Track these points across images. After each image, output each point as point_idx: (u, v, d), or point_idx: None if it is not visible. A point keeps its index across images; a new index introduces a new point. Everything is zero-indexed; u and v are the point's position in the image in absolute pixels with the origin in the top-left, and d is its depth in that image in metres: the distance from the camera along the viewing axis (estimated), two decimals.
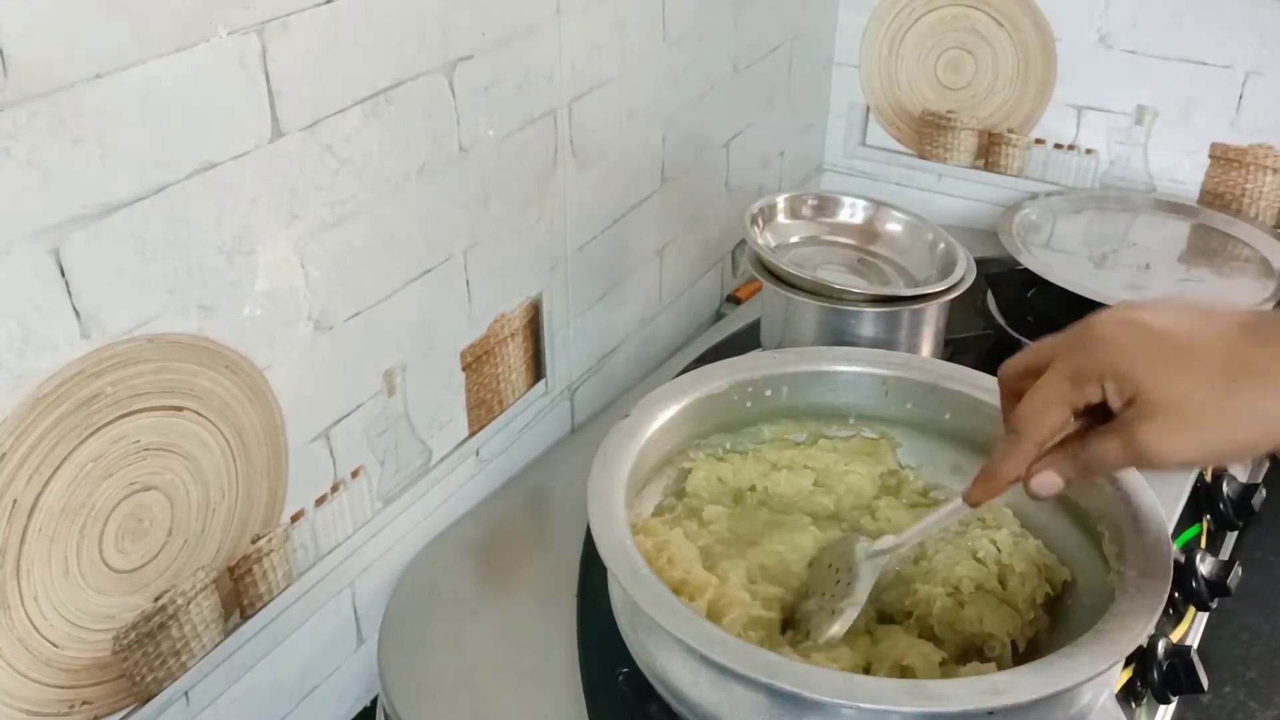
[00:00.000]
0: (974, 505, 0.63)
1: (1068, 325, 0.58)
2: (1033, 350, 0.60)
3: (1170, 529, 0.69)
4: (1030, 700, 0.55)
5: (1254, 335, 0.53)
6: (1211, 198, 1.23)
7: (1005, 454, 0.59)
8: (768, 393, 0.81)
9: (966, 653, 0.69)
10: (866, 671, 0.67)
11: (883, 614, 0.73)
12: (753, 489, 0.81)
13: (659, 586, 0.61)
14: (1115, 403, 0.55)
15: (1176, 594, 0.79)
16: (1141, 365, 0.54)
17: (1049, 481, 0.58)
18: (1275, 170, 1.18)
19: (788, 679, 0.56)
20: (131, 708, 0.66)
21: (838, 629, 0.67)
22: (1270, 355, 0.52)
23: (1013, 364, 0.61)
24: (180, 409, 0.63)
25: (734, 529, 0.77)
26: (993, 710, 0.55)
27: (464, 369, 0.85)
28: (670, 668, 0.63)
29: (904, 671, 0.66)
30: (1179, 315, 0.55)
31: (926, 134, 1.35)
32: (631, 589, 0.61)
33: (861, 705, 0.55)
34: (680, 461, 0.80)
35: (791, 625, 0.71)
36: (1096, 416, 0.57)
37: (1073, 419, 0.58)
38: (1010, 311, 1.10)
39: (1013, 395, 0.60)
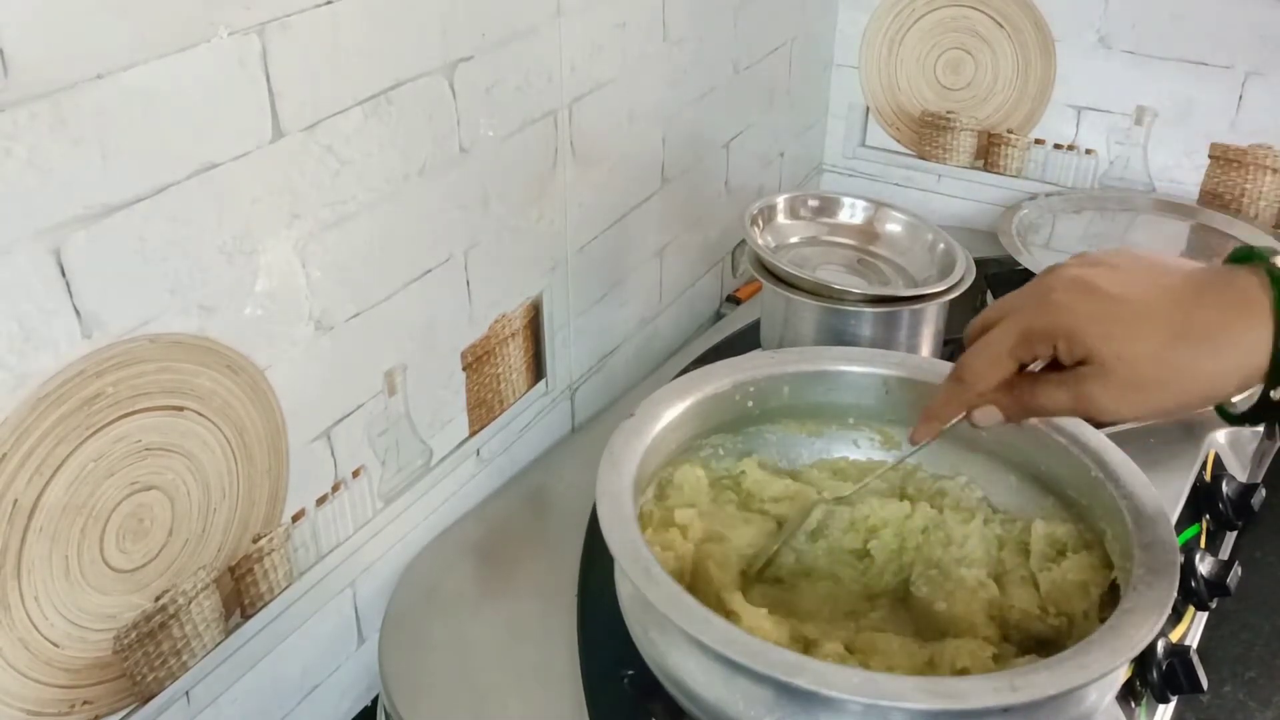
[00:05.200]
0: (915, 444, 0.68)
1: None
2: (995, 307, 0.63)
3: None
4: (1046, 697, 0.56)
5: (1201, 296, 0.55)
6: (1211, 198, 1.23)
7: (948, 399, 0.64)
8: (769, 392, 0.81)
9: (1006, 637, 0.70)
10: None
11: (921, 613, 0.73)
12: (726, 479, 0.81)
13: (672, 585, 0.61)
14: (1066, 360, 0.58)
15: (1176, 594, 0.79)
16: (1094, 328, 0.56)
17: (990, 415, 0.63)
18: (1275, 170, 1.18)
19: (807, 677, 0.56)
20: (132, 707, 0.66)
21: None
22: (1215, 320, 0.55)
23: (976, 323, 0.64)
24: (181, 409, 0.63)
25: (707, 528, 0.76)
26: (1008, 707, 0.55)
27: (464, 369, 0.85)
28: (684, 667, 0.63)
29: (961, 674, 0.66)
30: (1132, 275, 0.57)
31: (926, 134, 1.35)
32: (645, 587, 0.61)
33: (880, 703, 0.56)
34: (684, 461, 0.80)
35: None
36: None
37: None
38: None
39: None
